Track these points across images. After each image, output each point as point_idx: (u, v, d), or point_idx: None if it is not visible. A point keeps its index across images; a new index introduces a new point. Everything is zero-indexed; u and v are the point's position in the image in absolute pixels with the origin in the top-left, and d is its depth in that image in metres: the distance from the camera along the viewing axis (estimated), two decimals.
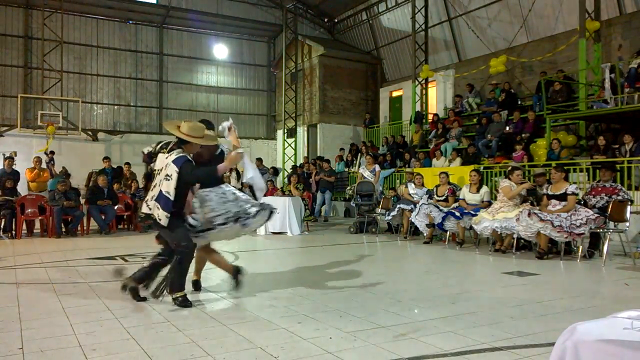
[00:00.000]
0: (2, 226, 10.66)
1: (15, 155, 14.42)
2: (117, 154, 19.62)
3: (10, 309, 4.42)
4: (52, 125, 18.15)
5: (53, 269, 6.63)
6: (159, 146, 4.80)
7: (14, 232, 10.43)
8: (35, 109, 19.13)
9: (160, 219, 4.44)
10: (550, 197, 7.62)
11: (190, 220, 4.79)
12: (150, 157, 4.87)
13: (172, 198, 4.41)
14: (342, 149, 18.47)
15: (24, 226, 10.78)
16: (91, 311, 4.37)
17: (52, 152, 15.26)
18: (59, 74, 19.44)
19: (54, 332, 3.74)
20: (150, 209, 4.52)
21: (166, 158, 4.53)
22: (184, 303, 4.47)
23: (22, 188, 12.07)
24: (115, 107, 21.49)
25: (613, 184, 7.67)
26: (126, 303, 4.63)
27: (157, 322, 4.01)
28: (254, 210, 4.86)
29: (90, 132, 20.29)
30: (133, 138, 20.86)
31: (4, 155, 13.47)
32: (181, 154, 4.49)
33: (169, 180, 4.41)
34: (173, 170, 4.41)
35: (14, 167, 12.15)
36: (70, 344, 3.48)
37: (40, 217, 10.82)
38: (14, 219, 10.51)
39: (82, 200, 11.53)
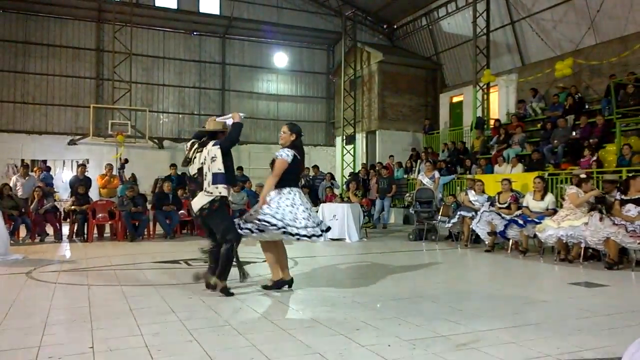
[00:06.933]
0: (75, 230, 11.27)
1: (88, 163, 15.08)
2: (181, 161, 20.14)
3: (82, 309, 4.65)
4: (122, 134, 18.96)
5: (122, 272, 6.93)
6: (192, 151, 5.48)
7: (85, 236, 11.00)
8: (106, 118, 20.03)
9: (221, 193, 5.16)
10: (625, 201, 7.27)
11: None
12: (187, 162, 5.57)
13: (223, 171, 5.16)
14: (391, 156, 18.31)
15: (95, 230, 11.31)
16: (157, 313, 4.54)
17: (126, 160, 15.81)
18: (128, 85, 20.30)
19: (122, 332, 3.91)
20: (210, 193, 5.16)
21: (205, 149, 5.28)
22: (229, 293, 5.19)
23: (93, 194, 12.68)
24: (180, 115, 22.22)
25: None
26: (189, 306, 4.79)
27: (219, 325, 4.11)
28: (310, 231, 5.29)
29: (156, 140, 21.09)
30: None
31: (77, 162, 14.15)
32: (215, 140, 5.31)
33: (215, 160, 5.16)
34: (215, 150, 5.18)
35: (86, 173, 12.83)
36: (138, 344, 3.62)
37: (110, 222, 11.35)
38: (85, 224, 11.11)
39: (149, 206, 12.00)
